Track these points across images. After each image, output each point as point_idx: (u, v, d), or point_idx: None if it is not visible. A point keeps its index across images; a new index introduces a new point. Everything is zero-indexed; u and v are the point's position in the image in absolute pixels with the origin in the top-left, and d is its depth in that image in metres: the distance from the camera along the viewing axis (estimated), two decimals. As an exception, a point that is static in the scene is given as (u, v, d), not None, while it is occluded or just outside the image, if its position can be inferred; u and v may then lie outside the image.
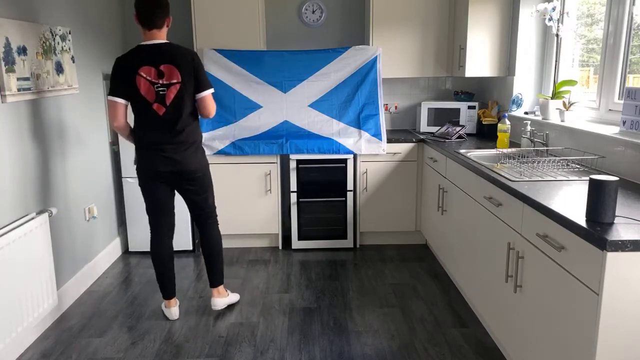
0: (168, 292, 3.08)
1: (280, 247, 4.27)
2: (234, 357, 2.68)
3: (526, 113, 3.74)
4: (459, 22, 4.05)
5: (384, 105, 4.58)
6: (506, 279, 2.40)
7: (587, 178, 2.07)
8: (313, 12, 4.49)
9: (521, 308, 2.29)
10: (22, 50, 2.79)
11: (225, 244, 4.24)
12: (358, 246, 4.28)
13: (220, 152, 3.99)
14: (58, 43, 3.19)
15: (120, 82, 2.77)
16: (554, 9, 3.23)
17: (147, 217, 4.04)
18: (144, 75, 2.75)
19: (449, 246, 3.45)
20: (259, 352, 2.72)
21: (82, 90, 3.54)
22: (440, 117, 4.32)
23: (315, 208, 4.14)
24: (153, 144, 2.84)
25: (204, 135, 3.92)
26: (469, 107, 4.27)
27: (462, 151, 3.33)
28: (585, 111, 3.18)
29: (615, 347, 1.71)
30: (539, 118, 3.42)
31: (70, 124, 3.35)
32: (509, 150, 3.27)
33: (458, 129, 3.98)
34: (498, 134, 3.52)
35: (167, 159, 2.85)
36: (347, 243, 4.20)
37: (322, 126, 4.13)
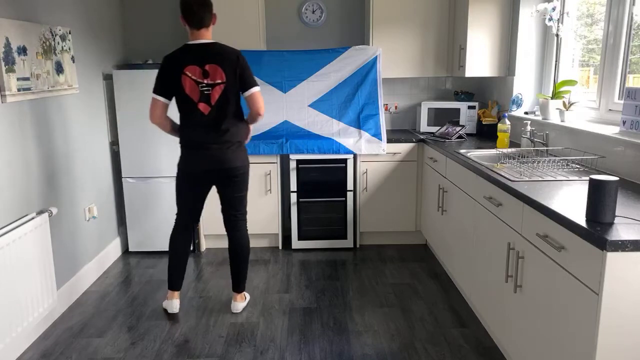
0: (175, 283, 3.12)
1: (280, 247, 4.27)
2: (234, 357, 2.68)
3: (526, 113, 3.74)
4: (459, 22, 4.05)
5: (384, 105, 4.59)
6: (506, 279, 2.40)
7: (587, 178, 2.07)
8: (313, 12, 4.49)
9: (521, 308, 2.29)
10: (22, 50, 2.79)
11: (226, 244, 4.24)
12: (358, 246, 4.28)
13: (220, 152, 3.98)
14: (58, 43, 3.19)
15: (165, 80, 2.82)
16: (554, 9, 3.23)
17: (147, 217, 4.08)
18: (190, 75, 2.78)
19: (449, 246, 3.45)
20: (259, 352, 2.72)
21: (82, 90, 3.54)
22: (440, 117, 4.32)
23: (315, 208, 4.14)
24: (199, 143, 2.88)
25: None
26: (469, 107, 4.27)
27: (462, 151, 3.33)
28: (585, 111, 3.18)
29: (615, 347, 1.71)
30: (539, 118, 3.42)
31: (70, 124, 3.35)
32: (509, 150, 3.27)
33: (458, 129, 3.98)
34: (498, 134, 3.52)
35: (212, 157, 2.88)
36: (347, 243, 4.20)
37: (322, 126, 4.13)
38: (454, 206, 3.30)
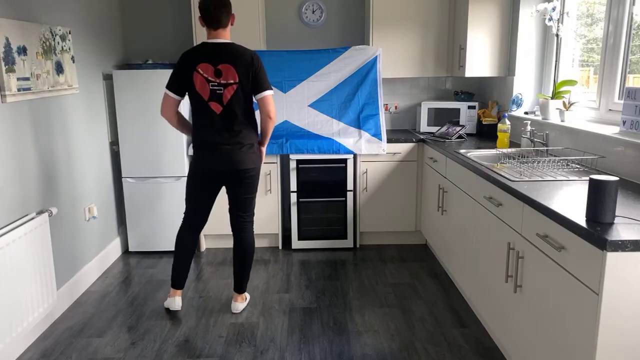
0: (179, 281, 3.14)
1: (280, 247, 4.27)
2: (234, 357, 2.68)
3: (526, 113, 3.74)
4: (459, 22, 4.05)
5: (384, 105, 4.59)
6: (506, 279, 2.40)
7: (587, 178, 2.07)
8: (313, 12, 4.49)
9: (521, 308, 2.29)
10: (22, 50, 2.79)
11: (226, 244, 4.25)
12: (358, 246, 4.28)
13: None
14: (58, 43, 3.19)
15: (177, 76, 2.85)
16: (554, 9, 3.23)
17: (147, 217, 4.08)
18: (201, 72, 2.80)
19: (449, 246, 3.45)
20: (259, 352, 2.72)
21: (82, 90, 3.54)
22: (440, 117, 4.32)
23: (315, 208, 4.14)
24: (210, 143, 2.88)
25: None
26: (469, 107, 4.27)
27: (462, 151, 3.33)
28: (585, 111, 3.18)
29: (615, 347, 1.71)
30: (539, 118, 3.42)
31: (70, 124, 3.35)
32: (509, 150, 3.27)
33: (458, 129, 3.98)
34: (498, 134, 3.52)
35: (223, 158, 2.89)
36: (347, 243, 4.20)
37: (322, 126, 4.13)
38: (454, 206, 3.30)
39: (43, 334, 2.93)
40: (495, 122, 4.04)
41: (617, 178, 1.75)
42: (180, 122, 2.99)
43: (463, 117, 4.27)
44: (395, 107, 4.68)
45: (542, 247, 2.07)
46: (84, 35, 3.60)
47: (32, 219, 2.76)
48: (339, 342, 2.80)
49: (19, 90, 2.74)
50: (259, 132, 3.02)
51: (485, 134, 4.11)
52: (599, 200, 1.76)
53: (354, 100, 4.15)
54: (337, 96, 4.16)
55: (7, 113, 2.66)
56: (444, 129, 4.11)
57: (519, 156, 3.07)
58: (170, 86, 2.87)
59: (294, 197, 4.12)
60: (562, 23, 3.31)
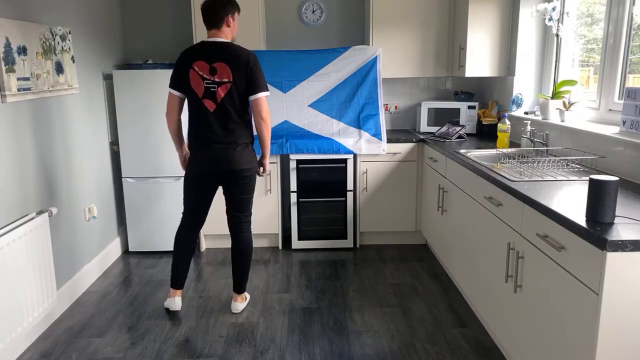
0: (177, 281, 3.14)
1: (280, 247, 4.27)
2: (234, 357, 2.68)
3: (526, 113, 3.74)
4: (459, 22, 4.05)
5: (384, 105, 4.59)
6: (506, 279, 2.40)
7: (587, 178, 2.07)
8: (313, 12, 4.49)
9: (521, 308, 2.29)
10: (22, 50, 2.79)
11: (226, 244, 4.24)
12: (358, 246, 4.28)
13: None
14: (58, 43, 3.19)
15: (176, 73, 2.90)
16: (554, 9, 3.23)
17: (147, 217, 4.08)
18: (197, 70, 2.83)
19: (449, 246, 3.45)
20: (259, 352, 2.72)
21: (82, 90, 3.54)
22: (440, 117, 4.32)
23: (315, 208, 4.14)
24: (204, 141, 2.90)
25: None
26: (469, 107, 4.27)
27: (462, 151, 3.33)
28: (585, 111, 3.18)
29: (615, 347, 1.71)
30: (539, 118, 3.42)
31: (70, 124, 3.35)
32: (509, 150, 3.27)
33: (458, 129, 3.98)
34: (498, 134, 3.52)
35: (217, 158, 2.90)
36: (347, 243, 4.20)
37: (322, 126, 4.13)
38: (454, 206, 3.30)
39: (43, 334, 2.93)
40: (495, 122, 4.04)
41: (617, 178, 1.75)
42: (176, 132, 3.02)
43: (463, 117, 4.27)
44: (395, 107, 4.68)
45: (542, 247, 2.07)
46: (84, 35, 3.60)
47: (32, 219, 2.76)
48: (339, 342, 2.80)
49: (19, 90, 2.74)
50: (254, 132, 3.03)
51: (485, 134, 4.11)
52: (599, 200, 1.76)
53: (354, 100, 4.15)
54: (337, 96, 4.16)
55: (7, 113, 2.66)
56: (444, 129, 4.11)
57: (519, 156, 3.07)
58: (171, 84, 2.93)
59: (294, 197, 4.12)
60: (562, 23, 3.31)
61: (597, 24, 3.20)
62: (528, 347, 2.24)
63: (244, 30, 4.09)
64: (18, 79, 2.73)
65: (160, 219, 4.08)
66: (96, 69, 3.80)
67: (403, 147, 4.10)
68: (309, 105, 4.15)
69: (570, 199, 2.09)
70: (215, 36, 2.90)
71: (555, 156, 2.97)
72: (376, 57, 4.11)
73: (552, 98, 3.31)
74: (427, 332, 2.89)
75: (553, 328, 2.00)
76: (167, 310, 3.18)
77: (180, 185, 3.99)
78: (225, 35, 2.92)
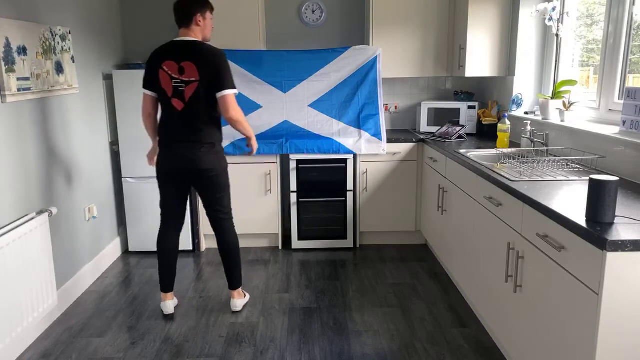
0: (166, 285, 3.12)
1: (280, 247, 4.27)
2: (234, 357, 2.68)
3: (526, 113, 3.74)
4: (459, 22, 4.05)
5: (384, 105, 4.59)
6: (506, 279, 2.40)
7: (587, 178, 2.07)
8: (313, 12, 4.49)
9: (521, 308, 2.29)
10: (22, 50, 2.79)
11: (225, 244, 4.24)
12: (358, 246, 4.28)
13: (220, 152, 3.98)
14: (58, 43, 3.19)
15: (147, 73, 2.92)
16: (554, 9, 3.23)
17: (147, 217, 4.08)
18: (166, 69, 2.84)
19: (449, 246, 3.45)
20: (259, 352, 2.72)
21: (82, 90, 3.54)
22: (440, 117, 4.32)
23: (315, 208, 4.14)
24: (171, 139, 2.91)
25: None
26: (469, 107, 4.27)
27: (462, 151, 3.33)
28: (585, 111, 3.18)
29: (615, 347, 1.71)
30: (539, 118, 3.42)
31: (70, 124, 3.35)
32: (509, 150, 3.27)
33: (458, 129, 3.98)
34: (498, 134, 3.52)
35: (181, 156, 2.90)
36: (347, 243, 4.20)
37: (322, 126, 4.13)
38: (454, 206, 3.30)
39: (43, 334, 2.93)
40: (495, 122, 4.04)
41: (617, 178, 1.75)
42: (152, 130, 3.05)
43: (463, 117, 4.27)
44: (395, 107, 4.68)
45: (542, 247, 2.07)
46: (84, 35, 3.60)
47: (32, 219, 2.76)
48: (339, 342, 2.80)
49: (19, 90, 2.74)
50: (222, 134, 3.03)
51: (485, 134, 4.11)
52: (599, 200, 1.76)
53: (354, 100, 4.15)
54: (337, 96, 4.16)
55: (7, 113, 2.66)
56: (444, 129, 4.11)
57: (519, 156, 3.07)
58: (144, 84, 2.95)
59: (294, 197, 4.12)
60: (562, 23, 3.31)
61: (597, 24, 3.20)
62: (528, 347, 2.24)
63: (244, 30, 4.10)
64: (18, 79, 2.73)
65: (160, 219, 4.07)
66: (96, 69, 3.80)
67: (403, 147, 4.10)
68: (309, 105, 4.15)
69: (570, 199, 2.09)
70: (185, 35, 2.88)
71: (555, 156, 2.97)
72: (376, 57, 4.11)
73: (552, 98, 3.31)
74: (427, 332, 2.89)
75: (553, 328, 2.00)
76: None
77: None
78: (195, 34, 2.89)
